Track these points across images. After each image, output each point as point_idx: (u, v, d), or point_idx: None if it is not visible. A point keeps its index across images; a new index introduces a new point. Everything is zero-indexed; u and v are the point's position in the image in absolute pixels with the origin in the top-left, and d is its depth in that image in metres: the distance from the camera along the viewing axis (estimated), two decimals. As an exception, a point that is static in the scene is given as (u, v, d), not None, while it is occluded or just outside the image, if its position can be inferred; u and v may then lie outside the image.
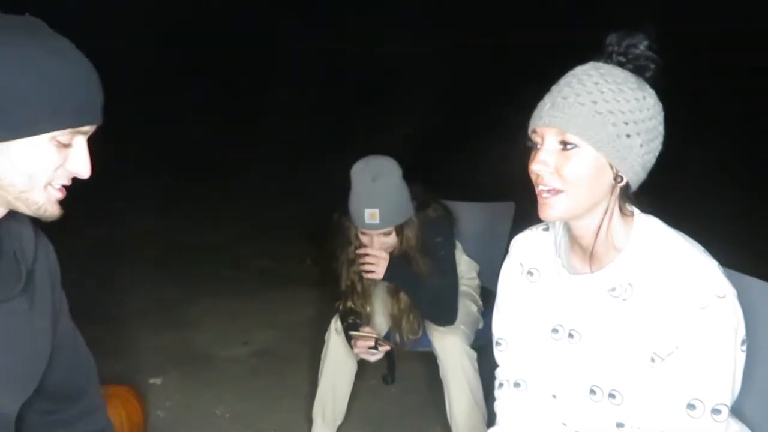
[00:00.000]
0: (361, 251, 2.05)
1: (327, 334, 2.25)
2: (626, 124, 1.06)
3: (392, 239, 2.04)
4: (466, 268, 2.33)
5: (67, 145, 0.97)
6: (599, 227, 1.14)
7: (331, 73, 8.07)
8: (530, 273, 1.31)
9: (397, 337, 2.16)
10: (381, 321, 2.26)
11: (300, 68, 7.94)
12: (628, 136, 1.06)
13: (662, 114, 1.11)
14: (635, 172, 1.10)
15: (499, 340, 1.38)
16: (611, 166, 1.09)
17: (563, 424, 1.28)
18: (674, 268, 1.09)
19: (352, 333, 2.09)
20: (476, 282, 2.37)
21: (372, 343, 2.07)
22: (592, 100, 1.06)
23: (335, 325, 2.22)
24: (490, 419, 1.71)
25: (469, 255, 2.37)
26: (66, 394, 1.28)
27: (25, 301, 1.09)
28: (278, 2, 8.72)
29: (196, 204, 5.35)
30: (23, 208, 0.99)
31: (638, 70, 1.10)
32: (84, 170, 1.00)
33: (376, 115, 6.39)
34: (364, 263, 2.05)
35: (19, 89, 0.90)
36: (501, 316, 1.38)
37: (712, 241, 1.19)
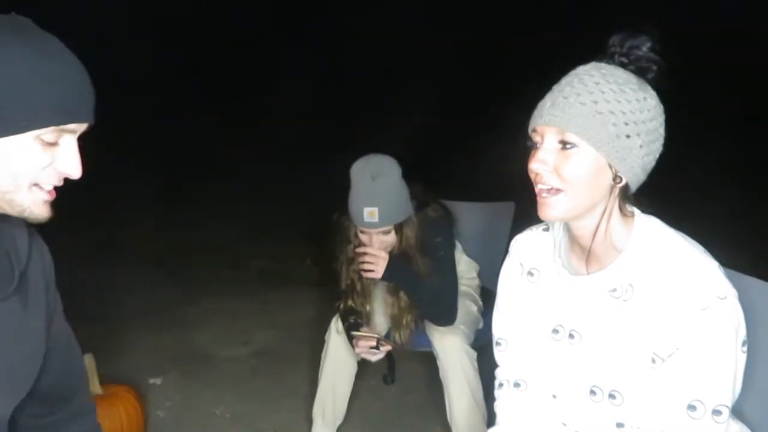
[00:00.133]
0: (360, 250, 2.05)
1: (327, 334, 2.25)
2: (626, 124, 1.06)
3: (391, 238, 2.04)
4: (466, 268, 2.33)
5: (53, 144, 0.94)
6: (597, 227, 1.14)
7: (331, 73, 8.07)
8: (530, 273, 1.31)
9: (397, 337, 2.16)
10: (381, 321, 2.26)
11: (300, 68, 7.93)
12: (628, 136, 1.06)
13: (663, 116, 1.11)
14: (635, 173, 1.10)
15: (499, 340, 1.38)
16: (611, 167, 1.09)
17: (563, 424, 1.28)
18: (675, 269, 1.08)
19: (354, 333, 2.09)
20: (476, 282, 2.37)
21: (374, 343, 2.07)
22: (593, 100, 1.06)
23: (335, 324, 2.22)
24: (490, 419, 1.71)
25: (469, 255, 2.37)
26: (58, 396, 1.27)
27: (19, 301, 1.07)
28: (278, 2, 8.72)
29: (196, 204, 5.35)
30: (8, 210, 0.97)
31: (640, 72, 1.09)
32: (73, 170, 0.97)
33: (376, 115, 6.39)
34: (363, 262, 2.05)
35: None
36: (501, 316, 1.38)
37: (712, 241, 1.19)
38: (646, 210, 1.17)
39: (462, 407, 2.06)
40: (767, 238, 3.89)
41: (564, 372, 1.23)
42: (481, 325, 2.22)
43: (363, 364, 2.26)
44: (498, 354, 1.39)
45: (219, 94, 7.87)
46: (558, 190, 1.10)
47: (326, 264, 2.31)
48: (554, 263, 1.26)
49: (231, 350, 3.09)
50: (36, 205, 0.97)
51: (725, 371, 1.06)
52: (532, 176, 1.13)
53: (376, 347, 2.07)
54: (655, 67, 1.09)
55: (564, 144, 1.08)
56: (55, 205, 1.00)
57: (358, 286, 2.17)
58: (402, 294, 2.13)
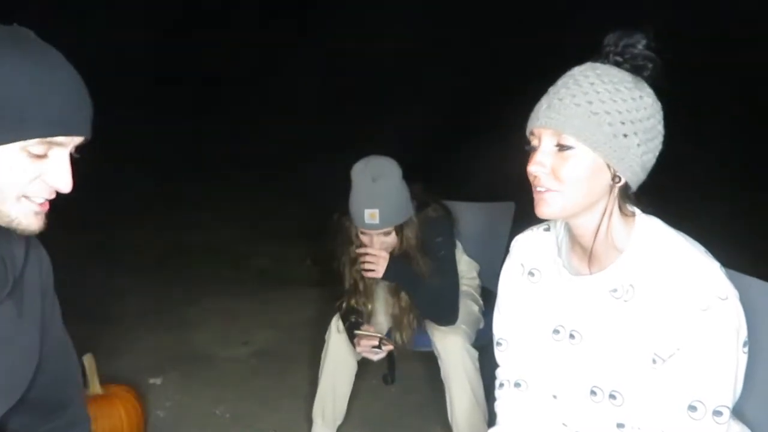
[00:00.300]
0: (361, 251, 2.06)
1: (327, 333, 2.25)
2: (623, 124, 1.06)
3: (392, 239, 2.04)
4: (467, 268, 2.33)
5: (41, 156, 0.92)
6: (598, 227, 1.14)
7: (331, 73, 8.07)
8: (531, 273, 1.31)
9: (398, 337, 2.16)
10: (383, 320, 2.26)
11: (300, 68, 7.93)
12: (625, 135, 1.06)
13: (661, 113, 1.11)
14: (634, 172, 1.10)
15: (500, 340, 1.38)
16: (609, 167, 1.09)
17: (563, 424, 1.28)
18: (676, 269, 1.08)
19: (356, 332, 2.09)
20: (476, 282, 2.37)
21: (375, 343, 2.07)
22: (588, 101, 1.06)
23: (336, 324, 2.22)
24: (491, 419, 1.71)
25: (469, 255, 2.37)
26: (51, 405, 1.25)
27: (13, 306, 1.06)
28: (279, 2, 8.71)
29: (196, 204, 5.35)
30: None
31: (636, 70, 1.09)
32: (61, 184, 0.95)
33: (376, 115, 6.39)
34: (364, 262, 2.05)
35: None
36: (502, 316, 1.38)
37: (712, 241, 1.19)
38: (646, 210, 1.17)
39: (463, 407, 2.06)
40: (767, 238, 3.89)
41: (564, 372, 1.23)
42: (482, 325, 2.22)
43: (363, 364, 2.26)
44: (498, 354, 1.39)
45: (219, 95, 7.87)
46: (555, 191, 1.10)
47: (326, 264, 2.31)
48: (555, 263, 1.26)
49: (231, 350, 3.09)
50: (25, 217, 0.95)
51: (726, 372, 1.05)
52: (530, 179, 1.13)
53: (378, 346, 2.07)
54: (651, 65, 1.09)
55: (561, 146, 1.08)
56: (52, 210, 0.99)
57: (361, 286, 2.18)
58: (403, 294, 2.13)
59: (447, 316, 2.08)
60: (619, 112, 1.06)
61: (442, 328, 2.09)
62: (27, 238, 1.10)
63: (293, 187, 5.46)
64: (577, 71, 1.11)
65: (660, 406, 1.10)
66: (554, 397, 1.28)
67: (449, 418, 2.11)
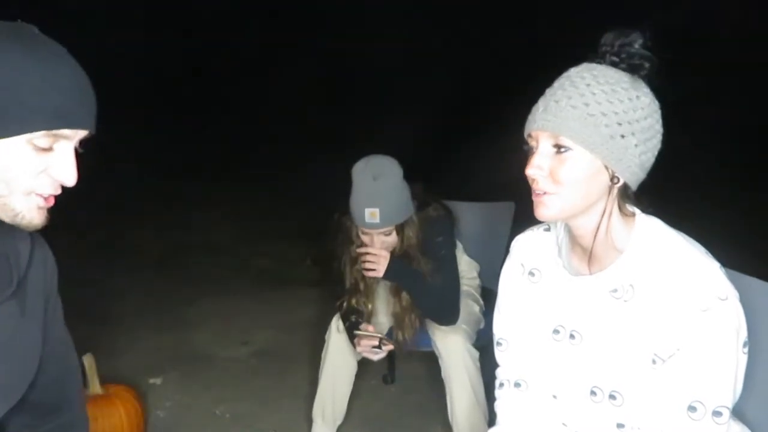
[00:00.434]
0: (361, 250, 2.06)
1: (327, 333, 2.25)
2: (620, 124, 1.05)
3: (393, 238, 2.04)
4: (467, 268, 2.33)
5: (47, 150, 0.93)
6: (597, 227, 1.14)
7: (332, 73, 8.07)
8: (531, 273, 1.31)
9: (399, 336, 2.16)
10: (383, 320, 2.26)
11: (301, 68, 7.94)
12: (623, 136, 1.06)
13: (659, 112, 1.10)
14: (632, 172, 1.09)
15: (500, 340, 1.38)
16: (607, 168, 1.08)
17: (563, 424, 1.28)
18: (676, 269, 1.08)
19: (357, 332, 2.09)
20: (477, 282, 2.37)
21: (376, 343, 2.07)
22: (584, 103, 1.06)
23: (336, 324, 2.22)
24: (491, 419, 1.71)
25: (469, 255, 2.37)
26: (52, 405, 1.25)
27: (16, 306, 1.06)
28: (279, 2, 8.71)
29: (196, 204, 5.35)
30: (1, 215, 0.95)
31: (633, 69, 1.09)
32: (66, 178, 0.96)
33: (376, 115, 6.39)
34: (365, 261, 2.05)
35: None
36: (502, 316, 1.38)
37: (712, 241, 1.19)
38: (646, 210, 1.16)
39: (464, 407, 2.06)
40: (767, 238, 3.89)
41: (564, 372, 1.23)
42: (482, 325, 2.22)
43: (363, 364, 2.26)
44: (499, 354, 1.39)
45: (219, 95, 7.87)
46: (553, 193, 1.10)
47: (326, 264, 2.31)
48: (555, 263, 1.26)
49: (231, 350, 3.09)
50: (29, 211, 0.95)
51: (726, 372, 1.05)
52: (529, 181, 1.13)
53: (378, 346, 2.07)
54: (647, 64, 1.08)
55: (558, 148, 1.08)
56: (52, 210, 0.99)
57: (362, 286, 2.17)
58: (404, 293, 2.13)
59: (448, 315, 2.08)
60: (616, 113, 1.05)
61: (443, 327, 2.09)
62: (32, 238, 1.10)
63: (293, 187, 5.47)
64: (574, 72, 1.11)
65: (660, 407, 1.10)
66: (554, 397, 1.28)
67: (450, 418, 2.11)
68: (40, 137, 0.91)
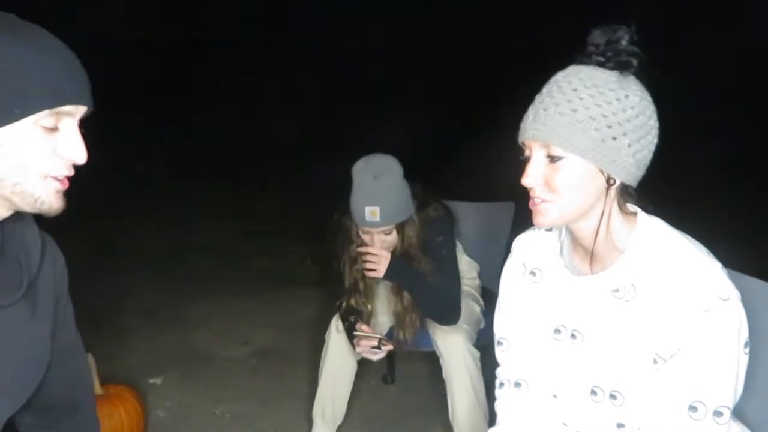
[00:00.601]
0: (362, 249, 2.06)
1: (327, 333, 2.25)
2: (609, 127, 1.04)
3: (393, 238, 2.04)
4: (467, 268, 2.33)
5: (53, 129, 0.94)
6: (598, 229, 1.13)
7: (332, 74, 8.07)
8: (533, 273, 1.31)
9: (400, 335, 2.15)
10: (383, 320, 2.26)
11: (300, 69, 7.94)
12: (614, 138, 1.05)
13: (651, 107, 1.09)
14: (628, 172, 1.08)
15: (501, 340, 1.38)
16: (602, 171, 1.08)
17: (564, 424, 1.28)
18: (677, 269, 1.08)
19: (356, 332, 2.09)
20: (477, 282, 2.37)
21: (375, 343, 2.06)
22: (572, 109, 1.05)
23: (335, 324, 2.22)
24: (492, 419, 1.71)
25: (469, 255, 2.37)
26: (63, 406, 1.26)
27: (26, 308, 1.06)
28: (280, 2, 8.72)
29: (196, 204, 5.36)
30: (20, 204, 0.96)
31: (621, 66, 1.07)
32: (77, 154, 0.97)
33: (376, 115, 6.40)
34: (365, 261, 2.05)
35: None
36: (503, 316, 1.37)
37: (712, 241, 1.18)
38: (647, 208, 1.16)
39: (464, 406, 2.06)
40: (767, 238, 3.89)
41: (565, 372, 1.23)
42: (482, 325, 2.22)
43: (363, 364, 2.26)
44: (499, 354, 1.39)
45: (218, 95, 7.87)
46: (549, 201, 1.10)
47: (326, 264, 2.31)
48: (557, 263, 1.26)
49: (231, 350, 3.09)
50: (48, 196, 0.96)
51: (727, 372, 1.05)
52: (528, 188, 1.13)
53: (378, 347, 2.07)
54: (635, 61, 1.07)
55: (551, 157, 1.08)
56: (66, 196, 1.00)
57: (361, 286, 2.17)
58: (405, 292, 2.12)
59: (449, 315, 2.08)
60: (605, 116, 1.04)
61: (445, 327, 2.09)
62: (43, 240, 1.11)
63: (293, 187, 5.47)
64: (561, 77, 1.10)
65: (660, 407, 1.10)
66: (554, 396, 1.28)
67: (450, 418, 2.11)
68: (44, 117, 0.92)
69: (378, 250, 2.03)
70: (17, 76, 0.89)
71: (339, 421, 2.28)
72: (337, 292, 2.22)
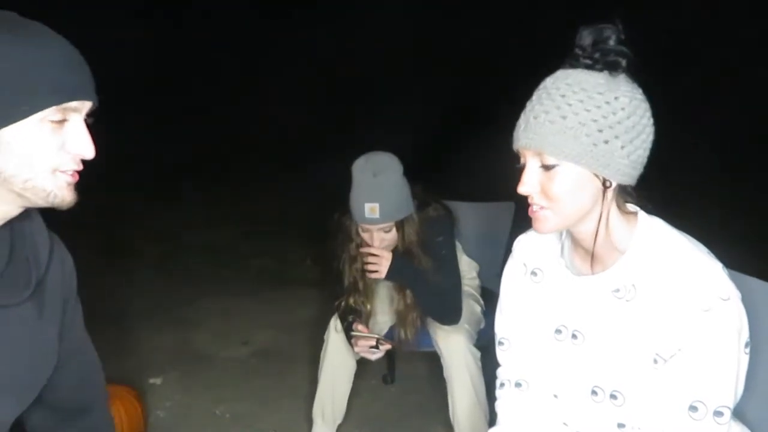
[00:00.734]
0: (364, 250, 2.05)
1: (326, 333, 2.25)
2: (600, 131, 1.04)
3: (393, 236, 2.04)
4: (467, 269, 2.33)
5: (60, 125, 0.95)
6: (596, 231, 1.13)
7: (332, 74, 8.07)
8: (534, 273, 1.31)
9: (402, 333, 2.15)
10: (382, 320, 2.26)
11: (301, 69, 7.94)
12: (606, 142, 1.04)
13: (644, 105, 1.08)
14: (623, 174, 1.08)
15: (502, 340, 1.38)
16: (597, 175, 1.08)
17: (564, 424, 1.28)
18: (678, 269, 1.08)
19: (352, 333, 2.09)
20: (476, 282, 2.37)
21: (373, 343, 2.07)
22: (562, 116, 1.04)
23: (334, 324, 2.22)
24: (492, 419, 1.71)
25: (469, 255, 2.37)
26: (76, 406, 1.27)
27: (34, 308, 1.07)
28: (280, 2, 8.72)
29: (196, 204, 5.35)
30: (33, 199, 0.97)
31: (610, 66, 1.06)
32: (85, 149, 0.98)
33: (376, 115, 6.39)
34: (367, 263, 2.05)
35: None
36: (504, 316, 1.38)
37: (712, 241, 1.18)
38: (645, 206, 1.16)
39: (465, 406, 2.06)
40: (767, 238, 3.89)
41: (566, 372, 1.23)
42: (483, 325, 2.22)
43: (362, 363, 2.26)
44: (500, 354, 1.39)
45: (218, 95, 7.87)
46: (547, 208, 1.11)
47: (326, 264, 2.31)
48: (558, 263, 1.26)
49: (231, 350, 3.09)
50: (60, 189, 0.97)
51: (727, 372, 1.05)
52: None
53: (376, 346, 2.07)
54: (623, 61, 1.06)
55: (545, 166, 1.08)
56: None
57: (360, 285, 2.17)
58: (408, 291, 2.12)
59: (450, 315, 2.08)
60: (595, 120, 1.04)
61: (446, 327, 2.09)
62: (51, 240, 1.11)
63: (293, 187, 5.47)
64: (549, 83, 1.09)
65: (661, 406, 1.10)
66: (555, 396, 1.28)
67: (451, 418, 2.11)
68: (52, 113, 0.93)
69: (379, 250, 2.02)
70: (24, 74, 0.90)
71: (339, 421, 2.28)
72: (336, 292, 2.22)
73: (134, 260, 4.18)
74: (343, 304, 2.18)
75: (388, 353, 2.18)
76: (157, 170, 5.86)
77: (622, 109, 1.05)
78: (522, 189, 1.11)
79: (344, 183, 2.03)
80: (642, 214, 1.16)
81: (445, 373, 2.10)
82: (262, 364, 2.96)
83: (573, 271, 1.22)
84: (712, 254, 1.11)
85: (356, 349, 2.10)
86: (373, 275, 2.06)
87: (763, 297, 1.28)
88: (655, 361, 1.10)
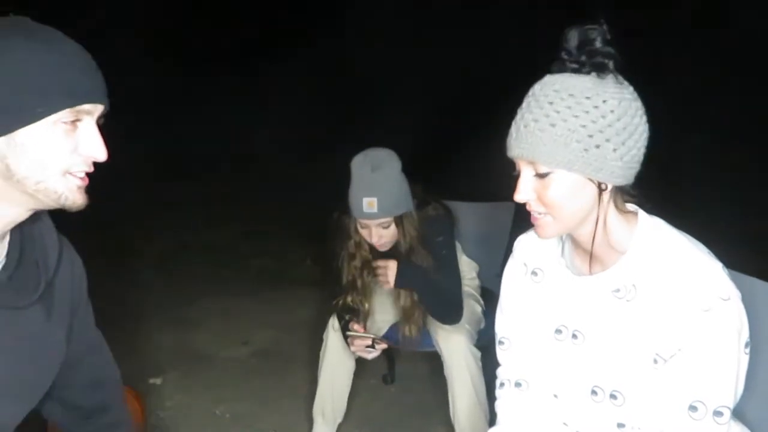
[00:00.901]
0: (375, 264, 2.08)
1: (325, 332, 2.25)
2: (591, 136, 1.03)
3: (391, 232, 2.04)
4: (466, 269, 2.33)
5: (73, 128, 0.96)
6: (594, 233, 1.13)
7: (332, 74, 8.06)
8: (534, 273, 1.31)
9: (407, 330, 2.16)
10: (381, 318, 2.26)
11: (300, 68, 7.93)
12: (597, 146, 1.04)
13: (635, 105, 1.06)
14: (618, 175, 1.07)
15: (502, 340, 1.38)
16: (591, 179, 1.08)
17: (564, 424, 1.28)
18: (678, 269, 1.08)
19: (347, 333, 2.10)
20: (476, 282, 2.37)
21: (369, 342, 2.07)
22: (551, 124, 1.04)
23: (333, 323, 2.22)
24: (492, 419, 1.71)
25: (468, 255, 2.37)
26: (91, 406, 1.30)
27: (42, 310, 1.08)
28: (279, 3, 8.72)
29: (196, 204, 5.35)
30: (44, 200, 0.97)
31: (597, 68, 1.05)
32: (98, 152, 0.99)
33: (376, 115, 6.39)
34: (376, 275, 2.07)
35: (3, 79, 0.90)
36: (504, 316, 1.38)
37: (712, 240, 1.18)
38: (646, 207, 1.16)
39: (465, 406, 2.07)
40: (767, 238, 3.89)
41: (566, 372, 1.23)
42: (483, 325, 2.22)
43: (362, 363, 2.27)
44: (501, 353, 1.39)
45: (218, 95, 7.87)
46: (546, 213, 1.11)
47: (326, 263, 2.31)
48: (558, 263, 1.26)
49: (231, 350, 3.09)
50: (71, 192, 0.98)
51: (727, 372, 1.05)
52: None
53: (371, 346, 2.07)
54: (610, 62, 1.05)
55: (539, 174, 1.08)
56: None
57: (359, 283, 2.17)
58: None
59: (452, 314, 2.09)
60: (584, 126, 1.03)
61: (446, 327, 2.09)
62: (61, 243, 1.12)
63: (293, 187, 5.47)
64: (537, 89, 1.08)
65: (661, 406, 1.10)
66: (555, 396, 1.28)
67: (451, 417, 2.12)
68: (65, 116, 0.94)
69: (384, 261, 2.05)
70: (38, 77, 0.91)
71: (339, 420, 2.28)
72: (336, 291, 2.23)
73: (134, 260, 4.18)
74: (340, 302, 2.18)
75: (388, 353, 2.18)
76: (158, 169, 5.85)
77: (612, 111, 1.04)
78: (518, 197, 1.11)
79: (344, 183, 2.02)
80: (642, 213, 1.16)
81: (446, 373, 2.10)
82: (262, 364, 2.96)
83: (573, 271, 1.22)
84: (712, 254, 1.11)
85: (352, 348, 2.10)
86: (386, 287, 2.08)
87: (763, 297, 1.28)
88: (655, 361, 1.10)
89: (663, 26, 6.60)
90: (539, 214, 1.12)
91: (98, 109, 0.99)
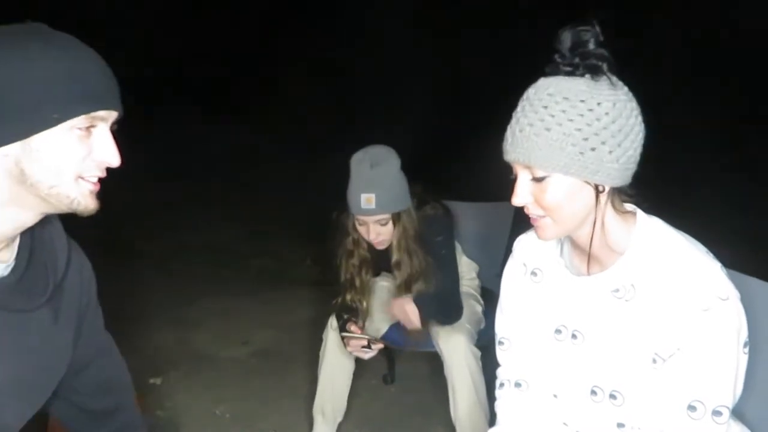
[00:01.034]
0: (389, 312, 2.13)
1: (325, 332, 2.26)
2: (586, 139, 1.03)
3: (389, 230, 2.04)
4: (466, 269, 2.33)
5: (88, 134, 0.96)
6: (592, 234, 1.13)
7: (332, 75, 8.07)
8: (534, 273, 1.31)
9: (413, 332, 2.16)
10: (379, 318, 2.26)
11: (301, 70, 7.94)
12: (593, 149, 1.04)
13: (630, 106, 1.06)
14: (615, 177, 1.07)
15: (502, 340, 1.38)
16: (588, 182, 1.08)
17: (564, 424, 1.28)
18: (677, 269, 1.08)
19: (343, 334, 2.10)
20: (476, 282, 2.37)
21: (365, 343, 2.07)
22: (546, 128, 1.04)
23: (332, 322, 2.22)
24: (492, 418, 1.71)
25: (468, 255, 2.37)
26: (102, 409, 1.30)
27: (50, 313, 1.08)
28: (279, 3, 8.72)
29: (196, 204, 5.35)
30: (57, 205, 0.98)
31: (590, 71, 1.05)
32: (111, 157, 1.00)
33: (376, 116, 6.39)
34: (406, 330, 2.13)
35: (22, 85, 0.91)
36: (504, 316, 1.38)
37: (711, 240, 1.19)
38: (644, 206, 1.16)
39: (465, 406, 2.07)
40: (767, 237, 3.89)
41: (566, 372, 1.23)
42: (483, 325, 2.22)
43: (363, 363, 2.26)
44: (500, 353, 1.39)
45: (218, 96, 7.87)
46: (545, 216, 1.11)
47: (326, 263, 2.31)
48: (557, 263, 1.26)
49: (231, 350, 3.09)
50: (84, 197, 0.99)
51: (726, 372, 1.05)
52: None
53: (368, 346, 2.07)
54: (604, 64, 1.05)
55: (536, 178, 1.08)
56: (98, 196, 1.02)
57: (357, 282, 2.18)
58: (414, 287, 2.12)
59: (452, 314, 2.10)
60: (579, 130, 1.03)
61: (446, 327, 2.10)
62: (69, 246, 1.13)
63: (293, 187, 5.47)
64: (532, 93, 1.08)
65: (660, 406, 1.10)
66: (555, 396, 1.28)
67: (452, 417, 2.11)
68: (80, 122, 0.95)
69: (396, 307, 2.10)
70: (55, 84, 0.92)
71: (339, 419, 2.28)
72: (336, 291, 2.23)
73: (134, 260, 4.18)
74: (339, 301, 2.19)
75: (388, 353, 2.18)
76: (158, 170, 5.85)
77: (606, 114, 1.03)
78: (516, 201, 1.11)
79: (344, 182, 2.03)
80: (640, 213, 1.16)
81: (446, 373, 2.10)
82: (262, 364, 2.96)
83: (573, 272, 1.23)
84: (710, 254, 1.11)
85: (348, 348, 2.11)
86: (415, 332, 2.11)
87: (763, 297, 1.28)
88: (654, 361, 1.11)
89: (663, 25, 6.60)
90: (538, 216, 1.12)
91: (112, 115, 1.00)
